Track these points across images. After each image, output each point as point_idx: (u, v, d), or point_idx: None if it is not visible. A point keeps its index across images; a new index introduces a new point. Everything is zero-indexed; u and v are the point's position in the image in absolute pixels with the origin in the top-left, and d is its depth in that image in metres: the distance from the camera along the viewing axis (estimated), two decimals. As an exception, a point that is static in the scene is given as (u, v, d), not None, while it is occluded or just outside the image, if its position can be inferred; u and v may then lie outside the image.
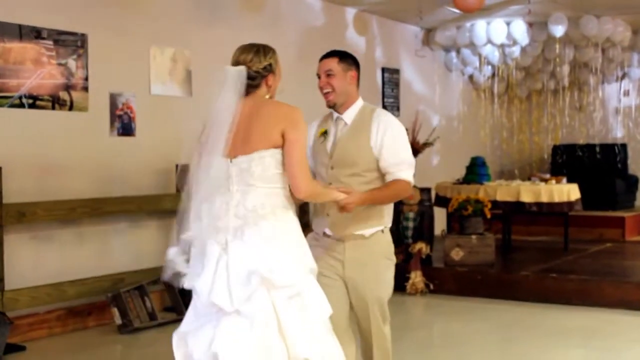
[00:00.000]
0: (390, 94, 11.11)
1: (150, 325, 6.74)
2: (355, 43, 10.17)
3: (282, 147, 3.21)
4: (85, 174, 6.88)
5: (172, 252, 3.28)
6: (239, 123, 3.18)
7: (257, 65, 3.29)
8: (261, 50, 3.33)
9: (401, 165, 3.75)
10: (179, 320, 6.88)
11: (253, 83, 3.28)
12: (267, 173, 3.21)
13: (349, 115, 3.83)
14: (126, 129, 7.25)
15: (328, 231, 3.78)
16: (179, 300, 7.11)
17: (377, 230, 3.80)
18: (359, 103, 3.87)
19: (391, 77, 11.13)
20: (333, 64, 3.79)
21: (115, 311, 6.58)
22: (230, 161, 3.20)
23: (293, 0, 9.24)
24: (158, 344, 6.41)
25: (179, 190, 7.21)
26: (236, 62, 3.28)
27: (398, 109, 11.23)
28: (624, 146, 13.22)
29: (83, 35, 6.85)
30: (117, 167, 7.15)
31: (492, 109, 13.24)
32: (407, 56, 11.50)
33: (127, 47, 7.28)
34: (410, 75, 11.58)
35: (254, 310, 3.08)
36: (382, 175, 3.79)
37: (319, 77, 3.83)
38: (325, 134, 3.85)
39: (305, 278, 3.22)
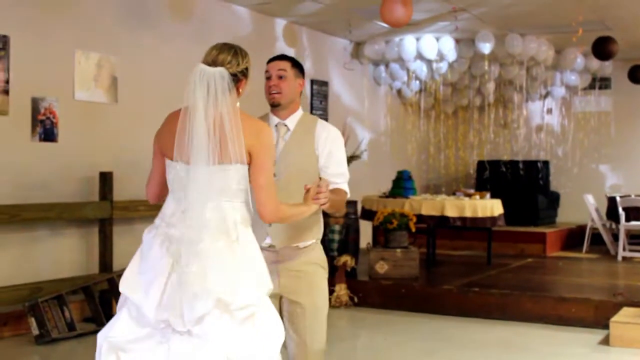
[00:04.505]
0: (319, 106, 11.14)
1: (68, 335, 6.57)
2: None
3: (249, 164, 3.06)
4: (4, 180, 6.69)
5: None
6: (215, 129, 2.96)
7: (235, 68, 3.08)
8: (239, 52, 3.12)
9: (343, 177, 3.78)
10: (98, 331, 6.78)
11: (228, 86, 3.03)
12: (230, 188, 3.03)
13: (292, 121, 3.78)
14: (48, 134, 7.08)
15: (268, 241, 3.68)
16: (99, 311, 6.97)
17: (312, 242, 3.78)
18: (300, 111, 3.83)
19: (320, 89, 11.16)
20: (287, 65, 3.73)
21: (33, 321, 6.39)
22: (195, 169, 2.97)
23: (222, 10, 9.18)
24: (76, 355, 6.28)
25: (102, 199, 7.19)
26: (213, 62, 3.04)
27: (326, 121, 11.24)
28: (546, 163, 13.53)
29: (5, 36, 6.67)
30: (38, 173, 6.98)
31: (419, 123, 13.40)
32: (336, 69, 11.55)
33: (51, 51, 7.12)
34: (339, 88, 11.64)
35: (206, 332, 2.89)
36: None
37: (269, 78, 3.73)
38: None
39: (261, 300, 3.03)
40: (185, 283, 2.92)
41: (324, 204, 3.42)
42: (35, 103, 6.97)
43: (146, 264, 3.01)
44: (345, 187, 3.78)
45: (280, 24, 10.24)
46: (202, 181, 2.98)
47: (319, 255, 3.81)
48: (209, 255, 2.95)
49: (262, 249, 3.58)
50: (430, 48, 11.08)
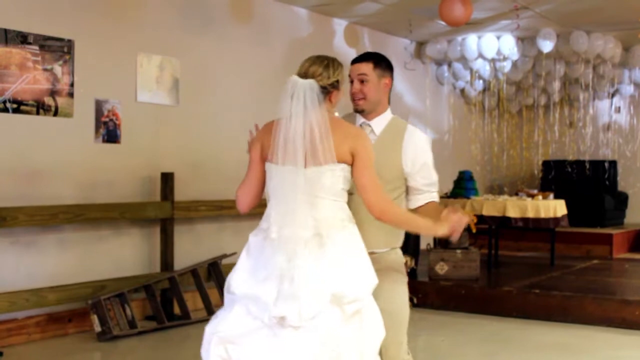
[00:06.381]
0: (381, 106, 11.10)
1: (129, 333, 6.71)
2: (345, 54, 10.18)
3: (351, 165, 3.20)
4: (68, 180, 6.87)
5: None
6: (307, 134, 3.11)
7: (325, 80, 3.21)
8: (330, 65, 3.25)
9: (433, 187, 3.66)
10: (159, 329, 6.96)
11: (319, 98, 3.19)
12: (335, 187, 3.17)
13: (378, 124, 3.65)
14: (111, 135, 7.24)
15: None
16: (160, 309, 7.10)
17: (387, 249, 3.64)
18: (388, 114, 3.69)
19: (381, 90, 11.12)
20: (368, 68, 3.59)
21: (95, 318, 6.55)
22: (299, 171, 3.13)
23: (283, 11, 9.25)
24: (137, 352, 6.40)
25: (163, 199, 7.33)
26: (304, 74, 3.21)
27: (388, 121, 11.23)
28: (613, 163, 13.23)
29: (70, 41, 6.85)
30: (101, 174, 7.14)
31: (483, 123, 13.27)
32: (398, 69, 11.50)
33: (114, 54, 7.28)
34: (401, 88, 11.60)
35: (317, 326, 2.99)
36: (402, 188, 3.65)
37: (351, 82, 3.61)
38: None
39: (367, 295, 3.14)
40: (301, 280, 3.02)
41: (453, 235, 3.32)
42: (98, 105, 7.14)
43: (258, 264, 3.14)
44: (436, 196, 3.69)
45: (339, 24, 10.27)
46: (312, 181, 3.13)
47: (396, 260, 3.66)
48: (322, 252, 3.07)
49: None
50: (491, 47, 10.96)
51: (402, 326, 3.63)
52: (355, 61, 3.65)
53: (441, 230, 3.30)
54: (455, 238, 3.36)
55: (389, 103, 3.74)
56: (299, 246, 3.06)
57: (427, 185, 3.65)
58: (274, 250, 3.10)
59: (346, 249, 3.12)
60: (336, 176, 3.16)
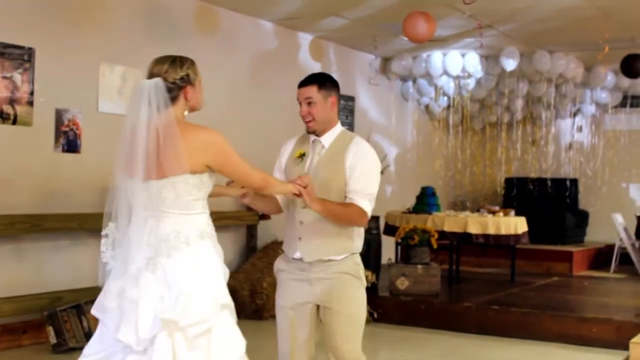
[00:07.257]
0: (345, 121, 11.14)
1: (85, 345, 6.59)
2: (310, 69, 10.19)
3: (203, 172, 3.07)
4: (27, 189, 6.78)
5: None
6: (152, 143, 2.96)
7: (173, 75, 3.07)
8: (178, 60, 3.12)
9: (361, 194, 3.70)
10: (115, 341, 6.82)
11: (170, 95, 3.05)
12: (180, 200, 3.02)
13: (328, 138, 3.82)
14: (71, 145, 7.17)
15: (298, 255, 3.75)
16: (117, 321, 7.01)
17: (345, 255, 3.77)
18: (338, 128, 3.87)
19: (346, 104, 11.17)
20: (313, 91, 3.75)
21: (51, 330, 6.46)
22: (141, 185, 2.99)
23: (247, 24, 9.24)
24: (92, 364, 6.30)
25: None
26: (150, 75, 3.07)
27: (352, 136, 11.25)
28: (574, 181, 13.39)
29: (30, 49, 6.78)
30: (60, 184, 7.06)
31: (446, 139, 13.35)
32: (363, 84, 11.56)
33: (76, 63, 7.21)
34: (366, 103, 11.64)
35: (158, 350, 2.93)
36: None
37: (300, 104, 3.79)
38: (303, 156, 3.83)
39: (216, 314, 3.03)
40: (140, 304, 2.96)
41: (298, 192, 3.44)
42: (59, 114, 7.07)
43: (108, 285, 3.11)
44: (362, 202, 3.69)
45: (305, 38, 10.28)
46: (154, 195, 3.01)
47: (351, 265, 3.78)
48: (155, 276, 2.98)
49: (294, 260, 3.75)
50: (456, 64, 11.06)
51: (355, 327, 3.79)
52: (300, 85, 3.81)
53: (286, 188, 3.45)
54: (306, 199, 3.49)
55: (338, 118, 3.92)
56: (133, 269, 2.99)
57: (356, 192, 3.70)
58: (113, 273, 3.07)
59: (185, 270, 2.99)
60: (178, 189, 3.00)
